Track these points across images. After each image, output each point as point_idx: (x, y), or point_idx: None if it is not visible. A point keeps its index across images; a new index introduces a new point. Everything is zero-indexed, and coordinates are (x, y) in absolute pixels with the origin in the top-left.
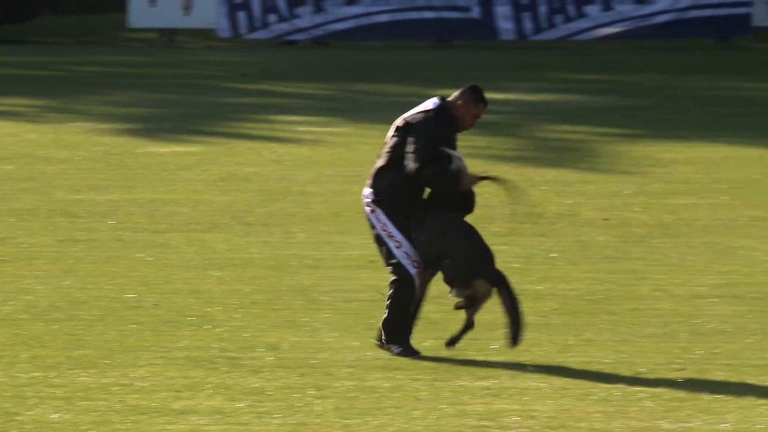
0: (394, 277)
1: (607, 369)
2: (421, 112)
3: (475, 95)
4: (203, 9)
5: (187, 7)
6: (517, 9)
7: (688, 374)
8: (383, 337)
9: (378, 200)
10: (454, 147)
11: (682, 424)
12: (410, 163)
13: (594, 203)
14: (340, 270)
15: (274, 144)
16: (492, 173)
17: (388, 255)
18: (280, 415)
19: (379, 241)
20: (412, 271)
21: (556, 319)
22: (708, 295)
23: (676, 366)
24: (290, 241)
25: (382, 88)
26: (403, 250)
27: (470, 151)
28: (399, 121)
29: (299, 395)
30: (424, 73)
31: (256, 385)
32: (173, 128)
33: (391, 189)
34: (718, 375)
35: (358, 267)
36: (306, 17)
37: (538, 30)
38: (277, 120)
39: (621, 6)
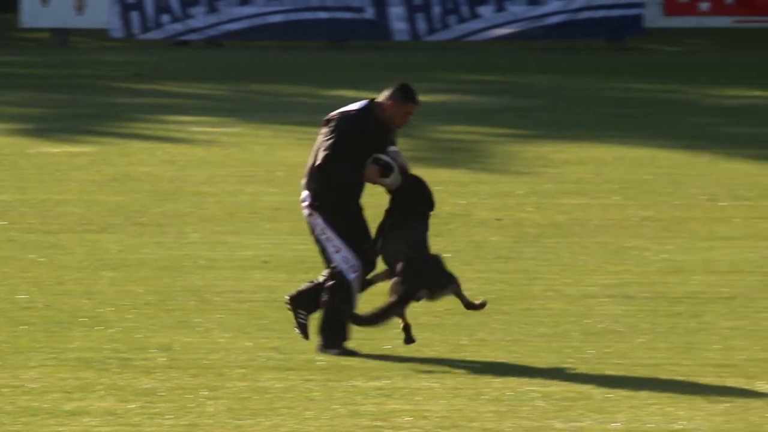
0: (330, 282)
1: (499, 369)
2: (344, 111)
3: (403, 94)
4: (96, 9)
5: (80, 7)
6: (411, 10)
7: (579, 373)
8: (320, 343)
9: (315, 204)
10: (383, 146)
11: (573, 424)
12: (319, 161)
13: (487, 203)
14: (234, 270)
15: (168, 144)
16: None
17: (327, 259)
18: (172, 416)
19: (318, 244)
20: (350, 276)
21: (449, 319)
22: (599, 294)
23: (568, 365)
24: (184, 242)
25: (276, 88)
26: (341, 254)
27: None
28: (325, 120)
29: (192, 396)
30: (318, 73)
31: (149, 386)
32: (66, 128)
33: (332, 189)
34: (610, 374)
35: (251, 267)
36: (199, 17)
37: (431, 31)
38: (170, 120)
39: (514, 7)
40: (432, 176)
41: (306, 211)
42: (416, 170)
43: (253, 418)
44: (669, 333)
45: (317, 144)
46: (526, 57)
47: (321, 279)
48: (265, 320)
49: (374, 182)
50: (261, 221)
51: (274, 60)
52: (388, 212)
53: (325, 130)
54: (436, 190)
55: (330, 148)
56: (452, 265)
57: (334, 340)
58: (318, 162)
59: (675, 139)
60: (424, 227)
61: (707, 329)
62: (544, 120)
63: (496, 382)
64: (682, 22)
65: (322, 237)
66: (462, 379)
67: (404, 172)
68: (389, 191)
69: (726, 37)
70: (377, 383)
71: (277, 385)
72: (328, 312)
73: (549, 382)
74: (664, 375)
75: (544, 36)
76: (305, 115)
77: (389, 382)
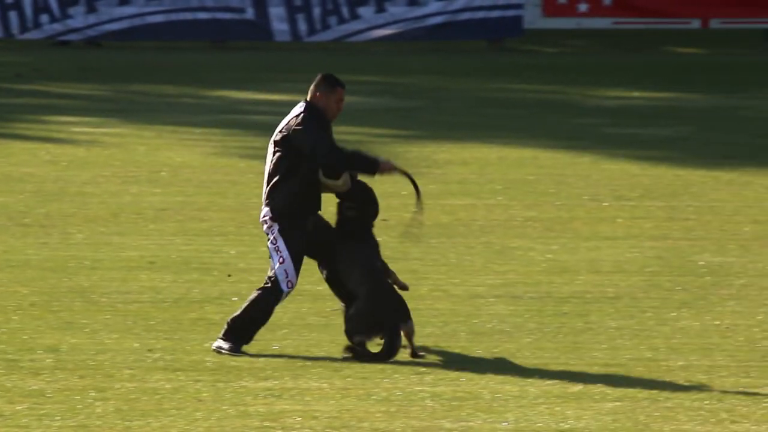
0: (265, 284)
1: (388, 369)
2: (295, 117)
3: (329, 82)
4: None
5: None
6: (291, 10)
7: (468, 374)
8: (222, 333)
9: (274, 217)
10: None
11: (463, 423)
12: (320, 158)
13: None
14: (120, 271)
15: (50, 144)
16: (411, 175)
17: (270, 266)
18: (60, 418)
19: (270, 251)
20: (284, 288)
21: (337, 319)
22: (486, 294)
23: (456, 365)
24: (68, 242)
25: (157, 88)
26: (283, 267)
27: (248, 152)
28: (276, 137)
29: (80, 397)
30: (200, 74)
31: (36, 387)
32: None
33: (288, 202)
34: (498, 374)
35: (137, 268)
36: (79, 17)
37: (312, 31)
38: (52, 120)
39: (394, 8)
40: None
41: (264, 225)
42: None
43: (143, 419)
44: (556, 333)
45: (274, 159)
46: (407, 58)
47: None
48: (152, 321)
49: (330, 185)
50: (146, 222)
51: (155, 60)
52: (338, 224)
53: (275, 146)
54: None
55: (321, 145)
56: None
57: (235, 338)
58: (325, 161)
59: (557, 140)
60: (373, 246)
61: (593, 329)
62: (426, 121)
63: (386, 382)
64: (562, 24)
65: (272, 247)
66: (351, 380)
67: (353, 177)
68: (337, 196)
69: (605, 39)
70: (266, 384)
71: (166, 386)
72: (247, 312)
73: (438, 382)
74: (552, 374)
75: (425, 37)
76: (187, 116)
77: (278, 382)
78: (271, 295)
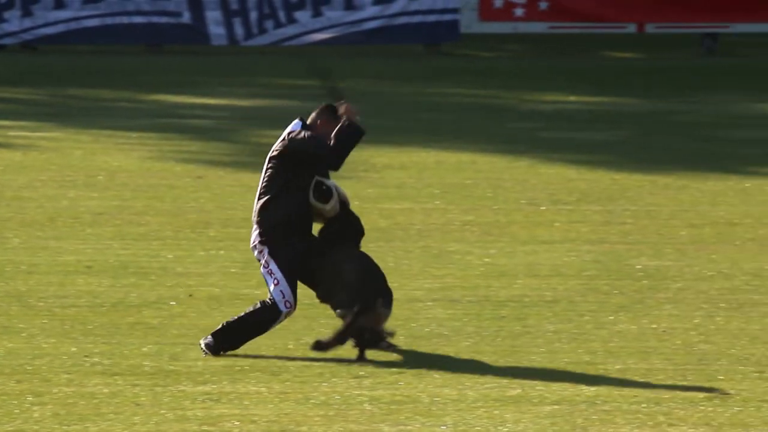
0: (262, 304)
1: (327, 373)
2: (290, 133)
3: (333, 113)
4: None
5: None
6: (228, 14)
7: (406, 377)
8: (215, 330)
9: (264, 240)
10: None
11: (401, 427)
12: (328, 159)
13: None
14: (57, 275)
15: None
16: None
17: (267, 287)
18: None
19: (263, 277)
20: (282, 308)
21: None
22: (424, 298)
23: (395, 369)
24: (5, 247)
25: (94, 93)
26: (279, 288)
27: (184, 156)
28: (272, 152)
29: (16, 402)
30: (137, 78)
31: None
32: None
33: (279, 222)
34: (437, 378)
35: (74, 272)
36: (14, 21)
37: (249, 35)
38: None
39: (330, 12)
40: (254, 181)
41: (255, 251)
42: (238, 175)
43: (81, 423)
44: (494, 336)
45: (267, 176)
46: (344, 62)
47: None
48: (90, 325)
49: (319, 209)
50: (83, 226)
51: (91, 64)
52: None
53: (270, 162)
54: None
55: (321, 147)
56: None
57: (223, 337)
58: (333, 162)
59: (494, 144)
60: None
61: (531, 333)
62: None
63: (324, 386)
64: (498, 28)
65: (264, 270)
66: (290, 384)
67: (343, 203)
68: (324, 220)
69: (541, 43)
70: (205, 388)
71: (103, 390)
72: (246, 318)
73: (377, 385)
74: (490, 378)
75: (362, 41)
76: (124, 120)
77: (217, 386)
78: (268, 314)
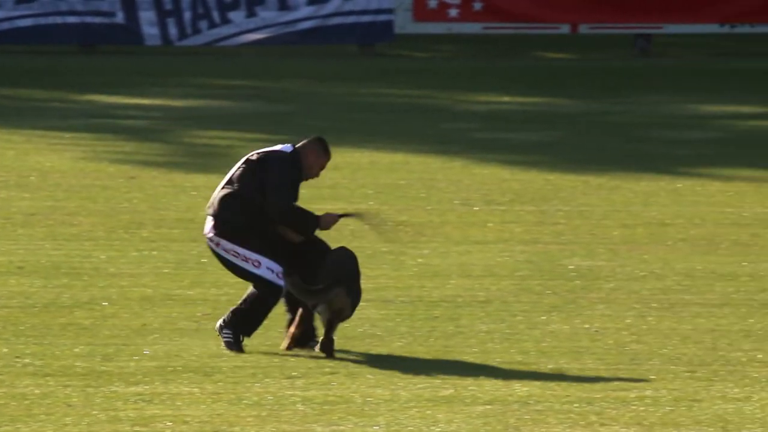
0: (261, 290)
1: (259, 373)
2: (279, 152)
3: (324, 147)
4: None
5: None
6: (162, 15)
7: (339, 378)
8: (224, 320)
9: (220, 232)
10: (299, 193)
11: (334, 427)
12: (273, 205)
13: None
14: None
15: None
16: (348, 210)
17: (251, 278)
18: None
19: (235, 269)
20: (280, 282)
21: (207, 324)
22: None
23: (328, 370)
24: None
25: (27, 93)
26: (264, 266)
27: (118, 157)
28: (252, 155)
29: None
30: (70, 78)
31: None
32: None
33: (238, 217)
34: (369, 378)
35: (6, 273)
36: None
37: (183, 36)
38: None
39: (264, 12)
40: (187, 181)
41: (211, 243)
42: (172, 175)
43: (12, 424)
44: (427, 337)
45: (237, 173)
46: (278, 62)
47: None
48: (21, 326)
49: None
50: (15, 226)
51: (24, 64)
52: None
53: (246, 163)
54: (191, 195)
55: (284, 197)
56: (209, 271)
57: (241, 328)
58: (274, 212)
59: (428, 144)
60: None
61: (464, 333)
62: (298, 125)
63: (257, 386)
64: (432, 29)
65: (237, 260)
66: (222, 384)
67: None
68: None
69: (476, 43)
70: (137, 388)
71: (35, 391)
72: (253, 305)
73: (309, 386)
74: (423, 378)
75: (296, 41)
76: (57, 120)
77: (149, 387)
78: (270, 296)
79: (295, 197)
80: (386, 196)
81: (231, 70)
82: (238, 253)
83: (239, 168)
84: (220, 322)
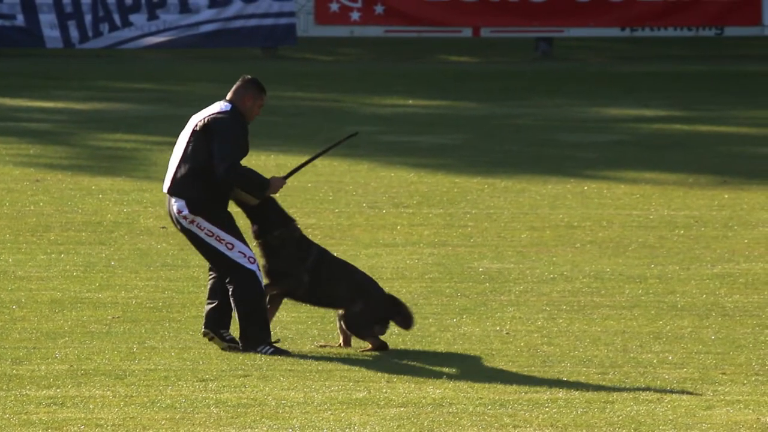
0: (234, 279)
1: (172, 376)
2: (217, 114)
3: (258, 87)
4: None
5: None
6: (62, 17)
7: (252, 381)
8: (243, 345)
9: (195, 209)
10: (248, 143)
11: (248, 430)
12: (220, 164)
13: (151, 211)
14: None
15: None
16: (291, 169)
17: (220, 260)
18: None
19: (207, 249)
20: (251, 266)
21: (118, 326)
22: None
23: (241, 372)
24: None
25: None
26: (236, 250)
27: (23, 160)
28: (196, 125)
29: None
30: None
31: None
32: None
33: (205, 196)
34: (282, 381)
35: None
36: None
37: (84, 38)
38: None
39: (166, 15)
40: (93, 184)
41: (185, 221)
42: (78, 178)
43: None
44: (339, 339)
45: (190, 149)
46: (181, 65)
47: (221, 290)
48: None
49: (242, 198)
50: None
51: None
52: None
53: (194, 136)
54: (99, 198)
55: (228, 155)
56: (118, 274)
57: (260, 337)
58: (221, 171)
59: (334, 148)
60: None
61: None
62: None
63: (170, 389)
64: (335, 32)
65: (210, 239)
66: (135, 387)
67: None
68: (244, 206)
69: (379, 47)
70: (49, 392)
71: None
72: (244, 308)
73: (222, 388)
74: (336, 381)
75: (198, 44)
76: None
77: (61, 390)
78: (247, 284)
79: (244, 153)
80: (294, 199)
81: (134, 73)
82: (212, 233)
83: (188, 143)
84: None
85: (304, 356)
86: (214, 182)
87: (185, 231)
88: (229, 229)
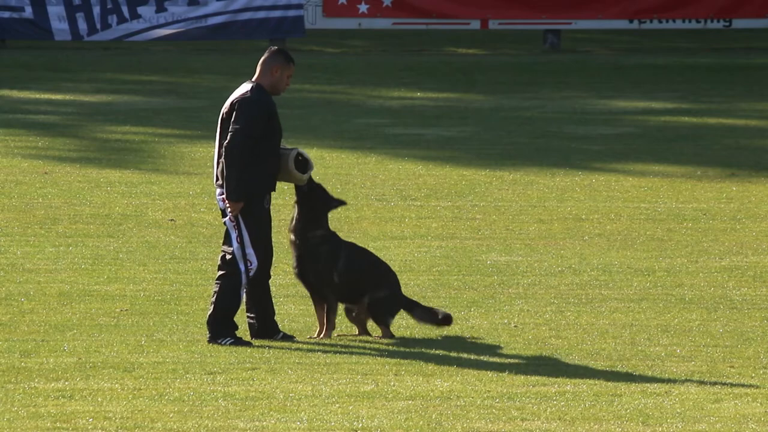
0: (226, 276)
1: (180, 369)
2: (243, 96)
3: (286, 57)
4: None
5: None
6: (71, 9)
7: (260, 374)
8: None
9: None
10: (277, 123)
11: (256, 423)
12: (230, 144)
13: (159, 204)
14: None
15: None
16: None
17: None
18: None
19: (227, 233)
20: (243, 267)
21: (126, 319)
22: (277, 294)
23: (249, 365)
24: None
25: None
26: (248, 250)
27: (31, 152)
28: (223, 112)
29: None
30: None
31: None
32: None
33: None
34: (290, 374)
35: None
36: None
37: (92, 31)
38: None
39: (174, 7)
40: (102, 177)
41: (222, 203)
42: (86, 170)
43: None
44: (347, 332)
45: (218, 136)
46: (189, 57)
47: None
48: None
49: (289, 175)
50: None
51: None
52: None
53: (225, 126)
54: (107, 191)
55: (237, 130)
56: (127, 266)
57: (224, 330)
58: (225, 145)
59: (342, 140)
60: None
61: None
62: (211, 121)
63: (178, 382)
64: (343, 24)
65: (233, 231)
66: (143, 380)
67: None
68: (295, 187)
69: (387, 39)
70: (57, 385)
71: None
72: (220, 304)
73: (230, 381)
74: (344, 374)
75: (206, 37)
76: None
77: (69, 383)
78: (238, 285)
79: (273, 133)
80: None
81: (142, 65)
82: (237, 225)
83: (220, 131)
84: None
85: (312, 349)
86: (251, 169)
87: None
88: (257, 227)
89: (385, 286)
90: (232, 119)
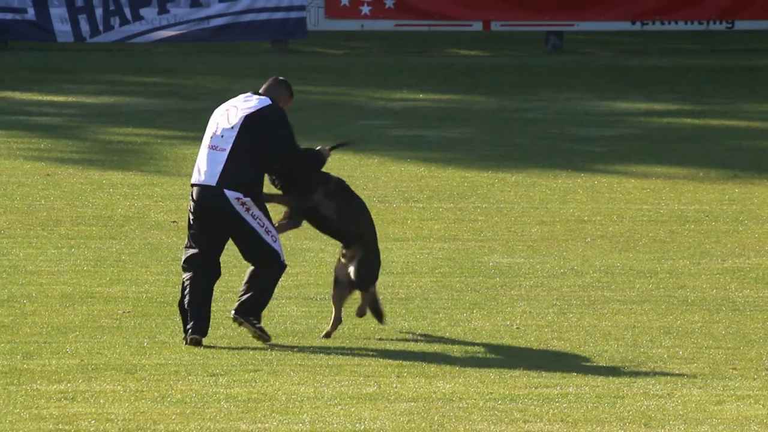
0: (275, 269)
1: (182, 371)
2: (263, 108)
3: (291, 90)
4: None
5: None
6: (73, 11)
7: (262, 375)
8: (244, 314)
9: (252, 197)
10: None
11: (258, 425)
12: (292, 153)
13: (161, 205)
14: None
15: None
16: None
17: (262, 248)
18: None
19: (252, 236)
20: (284, 261)
21: (129, 321)
22: (279, 296)
23: (251, 367)
24: None
25: None
26: (279, 243)
27: (33, 154)
28: (241, 120)
29: None
30: None
31: None
32: None
33: (256, 184)
34: (292, 376)
35: None
36: None
37: (95, 32)
38: None
39: (176, 9)
40: (104, 178)
41: (242, 207)
42: (88, 172)
43: None
44: (349, 334)
45: (238, 141)
46: (191, 59)
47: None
48: None
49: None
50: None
51: None
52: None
53: (243, 130)
54: (109, 192)
55: (295, 145)
56: (129, 268)
57: (258, 314)
58: (294, 161)
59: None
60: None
61: (386, 330)
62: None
63: (180, 384)
64: (345, 26)
65: (260, 228)
66: (145, 382)
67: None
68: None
69: (389, 40)
70: (60, 386)
71: None
72: (262, 295)
73: (233, 383)
74: (346, 375)
75: (208, 38)
76: None
77: (72, 385)
78: (277, 275)
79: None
80: None
81: (145, 67)
82: (263, 223)
83: (239, 138)
84: (233, 313)
85: (314, 351)
86: (263, 173)
87: (233, 217)
88: (269, 219)
89: (373, 246)
90: (269, 130)
